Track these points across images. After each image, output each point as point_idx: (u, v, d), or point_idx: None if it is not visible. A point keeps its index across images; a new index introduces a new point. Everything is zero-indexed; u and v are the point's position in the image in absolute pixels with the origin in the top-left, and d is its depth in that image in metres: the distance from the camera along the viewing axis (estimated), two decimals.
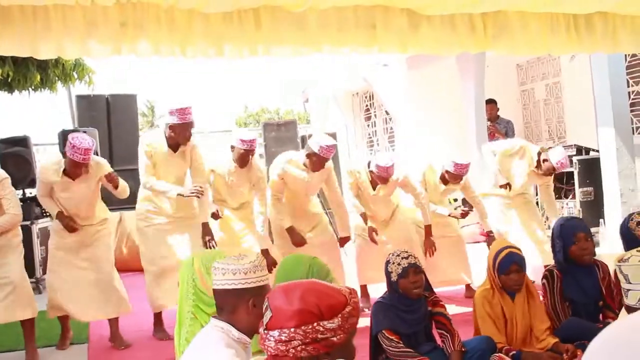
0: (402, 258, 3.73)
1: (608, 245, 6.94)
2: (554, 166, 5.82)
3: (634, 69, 8.83)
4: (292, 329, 1.74)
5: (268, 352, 1.80)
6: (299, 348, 1.73)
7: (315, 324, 1.74)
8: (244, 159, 5.74)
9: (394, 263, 3.75)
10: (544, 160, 5.92)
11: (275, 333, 1.76)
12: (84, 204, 5.39)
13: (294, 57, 5.22)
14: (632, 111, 7.91)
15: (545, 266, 4.99)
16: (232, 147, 5.79)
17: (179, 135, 5.39)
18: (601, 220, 7.27)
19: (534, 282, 4.19)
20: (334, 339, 1.75)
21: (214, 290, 2.61)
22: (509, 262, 3.83)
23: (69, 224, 5.27)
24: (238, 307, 2.52)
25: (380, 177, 5.91)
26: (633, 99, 8.56)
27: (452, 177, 6.09)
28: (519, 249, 3.94)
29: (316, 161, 5.83)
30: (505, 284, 3.86)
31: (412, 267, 3.70)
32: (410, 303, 3.74)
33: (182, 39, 4.60)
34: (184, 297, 3.33)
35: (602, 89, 6.85)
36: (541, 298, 4.16)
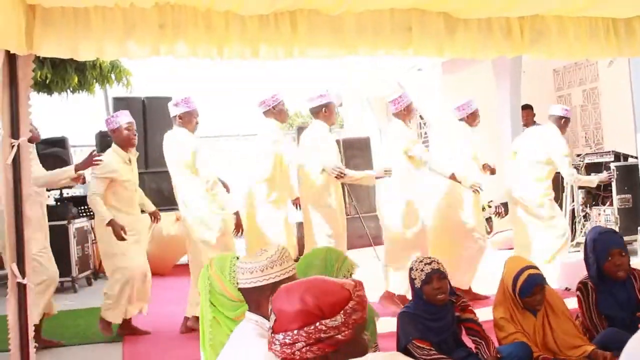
0: (425, 264, 3.68)
1: None
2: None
3: None
4: (295, 331, 1.72)
5: (277, 356, 1.78)
6: (303, 350, 1.71)
7: (317, 324, 1.71)
8: None
9: (417, 269, 3.70)
10: None
11: (280, 336, 1.74)
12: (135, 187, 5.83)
13: (330, 59, 5.24)
14: None
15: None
16: None
17: (188, 123, 5.76)
18: (639, 228, 7.15)
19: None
20: (339, 336, 1.72)
21: (240, 290, 2.64)
22: (532, 284, 3.74)
23: (119, 233, 5.39)
24: (261, 303, 2.53)
25: None
26: None
27: None
28: (537, 268, 3.85)
29: None
30: (530, 305, 3.80)
31: (435, 273, 3.64)
32: (435, 310, 3.69)
33: (219, 40, 4.63)
34: (204, 306, 3.33)
35: None
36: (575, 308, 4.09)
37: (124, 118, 5.96)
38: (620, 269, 3.99)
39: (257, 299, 2.55)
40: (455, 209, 6.48)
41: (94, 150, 5.84)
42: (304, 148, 6.24)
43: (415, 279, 3.69)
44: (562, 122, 6.68)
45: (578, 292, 4.09)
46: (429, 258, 3.75)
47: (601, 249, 4.01)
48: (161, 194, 11.50)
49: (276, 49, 4.81)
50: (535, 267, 3.85)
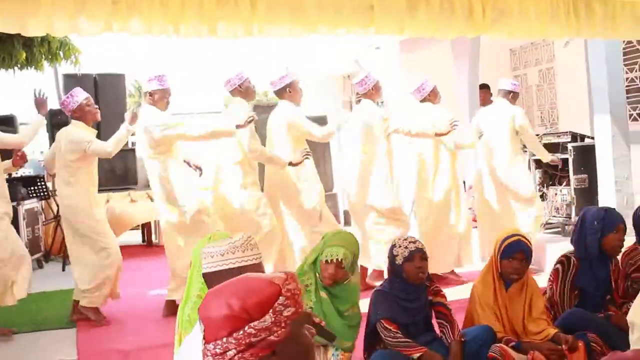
0: (410, 242, 3.70)
1: None
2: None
3: (628, 56, 8.78)
4: (225, 339, 1.55)
5: None
6: (235, 358, 1.55)
7: (245, 328, 1.55)
8: None
9: (400, 246, 3.70)
10: None
11: (211, 346, 1.57)
12: None
13: (290, 38, 5.14)
14: (626, 98, 7.85)
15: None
16: None
17: (158, 102, 5.67)
18: None
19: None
20: (272, 337, 1.56)
21: (203, 276, 2.55)
22: (516, 248, 3.77)
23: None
24: None
25: None
26: (627, 86, 8.52)
27: None
28: (528, 240, 3.88)
29: None
30: (505, 270, 3.79)
31: (418, 252, 3.65)
32: (411, 290, 3.68)
33: (174, 17, 4.48)
34: (194, 277, 3.29)
35: (599, 76, 6.75)
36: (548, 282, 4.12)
37: (81, 95, 5.81)
38: (621, 244, 4.10)
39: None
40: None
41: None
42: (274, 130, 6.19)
43: (397, 255, 3.68)
44: (511, 97, 7.04)
45: (558, 265, 4.11)
46: (413, 237, 3.79)
47: (610, 222, 4.05)
48: (113, 173, 11.29)
49: (235, 27, 4.69)
50: (527, 239, 3.88)
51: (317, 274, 3.60)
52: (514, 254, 3.76)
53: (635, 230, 4.42)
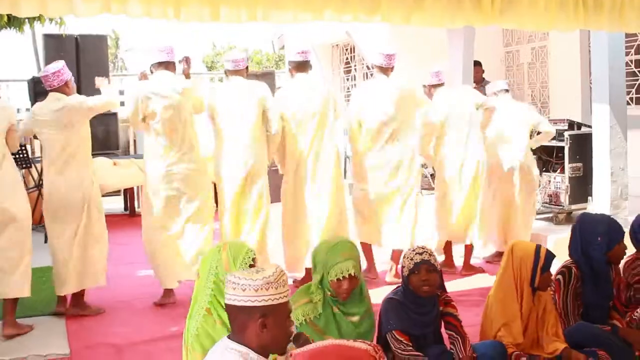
0: (416, 253, 3.58)
1: None
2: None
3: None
4: None
5: None
6: None
7: None
8: None
9: (407, 257, 3.60)
10: None
11: None
12: None
13: (295, 23, 4.97)
14: None
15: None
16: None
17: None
18: (589, 198, 7.20)
19: None
20: None
21: (227, 307, 2.43)
22: (551, 259, 3.74)
23: None
24: (247, 326, 2.35)
25: None
26: None
27: None
28: None
29: None
30: (546, 283, 3.76)
31: (424, 264, 3.53)
32: (423, 303, 3.59)
33: (175, 0, 4.29)
34: (201, 288, 3.16)
35: (600, 66, 6.66)
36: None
37: (66, 70, 5.60)
38: (625, 251, 4.07)
39: (244, 321, 2.36)
40: None
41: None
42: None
43: (404, 267, 3.59)
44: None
45: (559, 276, 4.03)
46: (422, 248, 3.63)
47: (615, 235, 4.01)
48: (95, 138, 11.03)
49: (239, 11, 4.50)
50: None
51: (327, 291, 3.48)
52: (550, 266, 3.74)
53: (633, 241, 4.38)
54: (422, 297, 3.57)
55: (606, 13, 5.55)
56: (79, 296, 5.34)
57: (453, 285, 5.66)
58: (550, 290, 3.91)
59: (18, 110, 13.91)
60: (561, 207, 7.42)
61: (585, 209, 7.16)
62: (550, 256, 3.74)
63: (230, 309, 2.41)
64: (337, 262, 3.42)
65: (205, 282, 3.17)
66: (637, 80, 9.09)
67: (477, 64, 9.64)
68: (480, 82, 9.82)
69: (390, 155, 6.01)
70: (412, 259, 3.56)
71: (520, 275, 3.75)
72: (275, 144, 5.82)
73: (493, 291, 3.87)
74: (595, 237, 3.98)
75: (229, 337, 2.43)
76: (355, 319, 3.51)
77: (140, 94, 5.54)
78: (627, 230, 4.24)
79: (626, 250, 4.16)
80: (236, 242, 3.45)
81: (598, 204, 6.83)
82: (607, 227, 4.04)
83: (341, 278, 3.40)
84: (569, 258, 4.16)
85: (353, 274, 3.43)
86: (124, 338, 4.72)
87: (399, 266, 3.69)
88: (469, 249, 6.41)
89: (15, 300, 4.91)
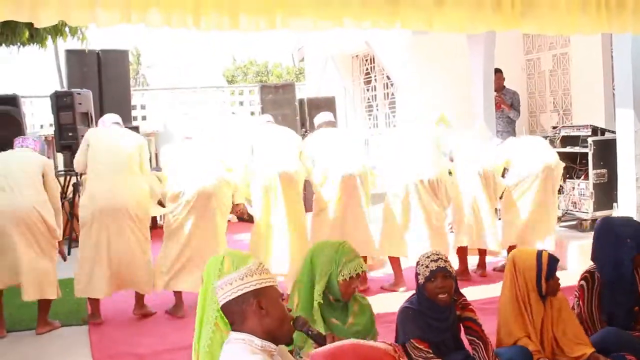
0: (432, 260, 3.52)
1: None
2: None
3: None
4: None
5: None
6: None
7: None
8: None
9: (422, 265, 3.54)
10: None
11: None
12: None
13: (314, 31, 4.97)
14: None
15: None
16: None
17: None
18: (614, 205, 7.09)
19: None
20: None
21: (222, 309, 2.54)
22: (555, 265, 3.67)
23: None
24: (246, 314, 2.46)
25: None
26: None
27: None
28: None
29: None
30: (552, 288, 3.68)
31: (440, 271, 3.48)
32: (439, 309, 3.54)
33: (195, 8, 4.30)
34: (207, 303, 3.12)
35: (624, 70, 6.57)
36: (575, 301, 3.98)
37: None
38: None
39: (241, 311, 2.46)
40: None
41: None
42: None
43: (419, 274, 3.53)
44: None
45: (583, 282, 3.98)
46: (437, 254, 3.56)
47: None
48: None
49: (257, 20, 4.50)
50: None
51: (330, 295, 3.46)
52: (554, 271, 3.65)
53: None
54: (438, 304, 3.52)
55: (630, 14, 5.45)
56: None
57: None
58: (561, 293, 3.84)
59: (41, 127, 14.07)
60: (586, 213, 7.31)
61: (610, 215, 7.06)
62: (553, 261, 3.68)
63: (225, 308, 2.50)
64: (349, 259, 3.41)
65: (212, 295, 3.12)
66: None
67: (498, 71, 9.60)
68: (501, 90, 9.77)
69: None
70: (427, 267, 3.50)
71: (526, 286, 3.70)
72: None
73: (500, 305, 3.83)
74: (623, 240, 3.91)
75: (233, 330, 2.51)
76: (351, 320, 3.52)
77: None
78: None
79: None
80: (238, 252, 3.40)
81: (623, 210, 6.71)
82: (635, 230, 3.98)
83: (354, 276, 3.39)
84: (591, 263, 4.09)
85: (364, 271, 3.44)
86: (147, 347, 4.73)
87: (415, 274, 3.62)
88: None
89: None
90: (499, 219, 6.81)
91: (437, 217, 6.19)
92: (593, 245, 4.12)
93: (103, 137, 5.67)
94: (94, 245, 5.32)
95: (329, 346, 2.25)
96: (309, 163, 6.18)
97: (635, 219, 6.07)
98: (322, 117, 6.71)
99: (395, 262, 6.24)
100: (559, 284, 3.72)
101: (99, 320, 5.38)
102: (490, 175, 6.51)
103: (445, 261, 3.53)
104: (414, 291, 3.68)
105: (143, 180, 5.57)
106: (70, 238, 8.15)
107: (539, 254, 3.70)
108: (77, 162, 5.65)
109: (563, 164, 6.78)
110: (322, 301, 3.46)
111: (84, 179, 5.72)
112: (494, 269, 6.79)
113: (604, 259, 3.98)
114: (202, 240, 5.47)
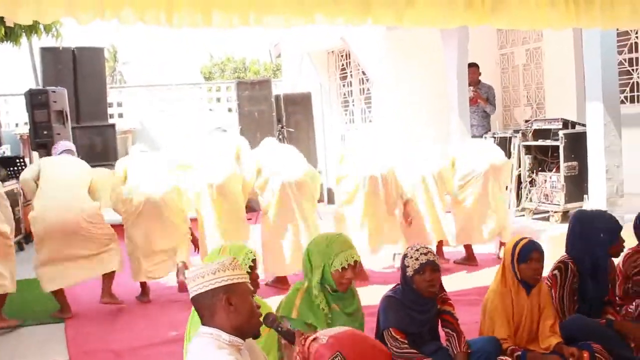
0: (421, 254, 3.57)
1: None
2: None
3: (618, 38, 8.71)
4: None
5: None
6: None
7: None
8: None
9: (411, 257, 3.58)
10: None
11: None
12: None
13: (287, 27, 5.00)
14: None
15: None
16: None
17: None
18: (585, 196, 7.22)
19: None
20: None
21: (193, 301, 2.55)
22: (531, 249, 3.72)
23: None
24: (215, 309, 2.48)
25: None
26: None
27: None
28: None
29: None
30: (525, 274, 3.74)
31: (429, 265, 3.54)
32: (423, 302, 3.61)
33: (167, 5, 4.32)
34: None
35: (593, 64, 6.70)
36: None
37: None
38: (623, 248, 4.11)
39: (211, 305, 2.48)
40: None
41: None
42: None
43: (408, 266, 3.58)
44: None
45: (556, 271, 4.05)
46: (425, 248, 3.63)
47: (616, 230, 4.04)
48: (94, 149, 11.09)
49: (230, 16, 4.53)
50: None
51: (328, 286, 3.49)
52: (531, 255, 3.71)
53: (635, 233, 4.39)
54: (423, 297, 3.59)
55: (598, 9, 5.54)
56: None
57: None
58: (545, 287, 3.93)
59: (17, 125, 13.98)
60: (557, 205, 7.43)
61: (581, 207, 7.19)
62: (528, 247, 3.74)
63: (195, 300, 2.52)
64: (341, 250, 3.44)
65: None
66: (631, 78, 9.11)
67: (473, 65, 9.71)
68: (476, 84, 9.87)
69: None
70: (417, 259, 3.55)
71: (512, 275, 3.78)
72: None
73: (491, 286, 3.91)
74: (597, 233, 4.00)
75: (202, 324, 2.53)
76: (350, 309, 3.55)
77: None
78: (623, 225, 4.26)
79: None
80: (236, 244, 3.48)
81: (594, 202, 6.85)
82: (608, 223, 4.07)
83: (346, 266, 3.41)
84: (564, 254, 4.17)
85: (355, 262, 3.46)
86: (123, 343, 4.75)
87: (401, 265, 3.67)
88: None
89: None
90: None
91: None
92: (567, 239, 4.20)
93: (54, 163, 5.95)
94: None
95: (335, 330, 2.36)
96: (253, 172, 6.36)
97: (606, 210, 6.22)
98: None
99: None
100: (532, 270, 3.74)
101: (68, 314, 5.42)
102: (437, 176, 6.60)
103: (434, 255, 3.60)
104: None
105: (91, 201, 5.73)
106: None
107: (521, 239, 3.79)
108: (23, 177, 5.92)
109: (511, 163, 6.89)
110: (318, 293, 3.49)
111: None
112: (455, 262, 6.87)
113: (579, 252, 4.05)
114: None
